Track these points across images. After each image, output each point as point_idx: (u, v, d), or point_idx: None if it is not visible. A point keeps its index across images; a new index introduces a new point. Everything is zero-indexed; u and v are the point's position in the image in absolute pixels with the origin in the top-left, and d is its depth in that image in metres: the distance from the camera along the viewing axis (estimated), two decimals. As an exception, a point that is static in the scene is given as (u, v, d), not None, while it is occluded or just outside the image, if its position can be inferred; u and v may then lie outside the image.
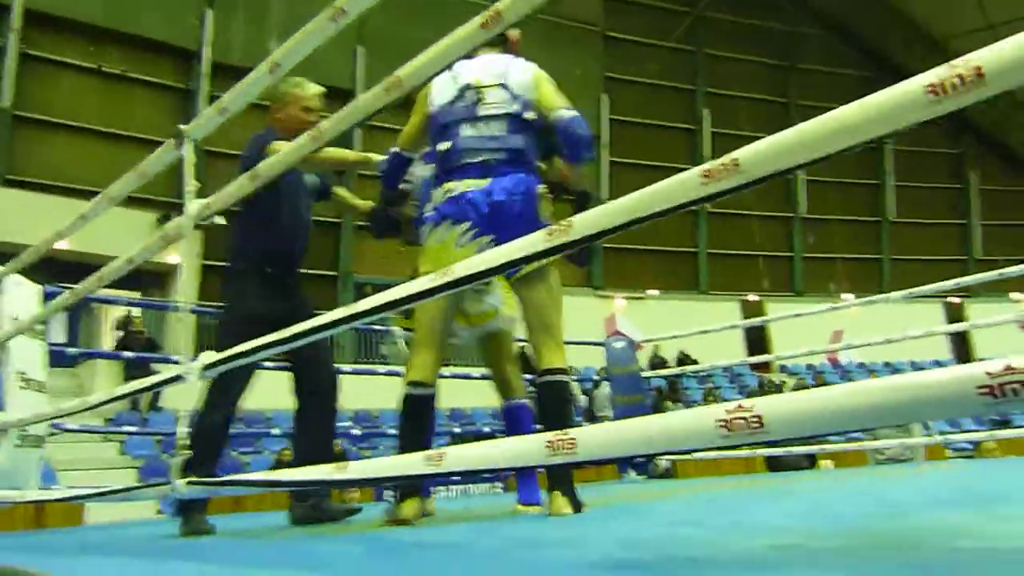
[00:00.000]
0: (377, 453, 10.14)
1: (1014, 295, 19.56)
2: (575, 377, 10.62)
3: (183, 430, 2.28)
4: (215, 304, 3.95)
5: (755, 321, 10.31)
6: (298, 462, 2.91)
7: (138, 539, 2.53)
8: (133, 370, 9.98)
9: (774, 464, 9.54)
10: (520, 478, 3.00)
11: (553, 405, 2.55)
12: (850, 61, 21.99)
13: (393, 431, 6.32)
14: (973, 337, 19.06)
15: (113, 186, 2.44)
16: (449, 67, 2.38)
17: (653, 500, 3.46)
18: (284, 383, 3.28)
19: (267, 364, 3.75)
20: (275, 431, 7.20)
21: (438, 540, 1.82)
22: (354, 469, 1.33)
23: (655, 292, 18.49)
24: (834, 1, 21.66)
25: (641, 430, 0.95)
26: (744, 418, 0.86)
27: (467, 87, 2.62)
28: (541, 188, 2.60)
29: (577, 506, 2.40)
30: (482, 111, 2.60)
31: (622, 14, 19.53)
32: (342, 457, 9.32)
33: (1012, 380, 0.68)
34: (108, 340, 12.41)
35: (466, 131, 2.58)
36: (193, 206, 1.97)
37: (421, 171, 3.04)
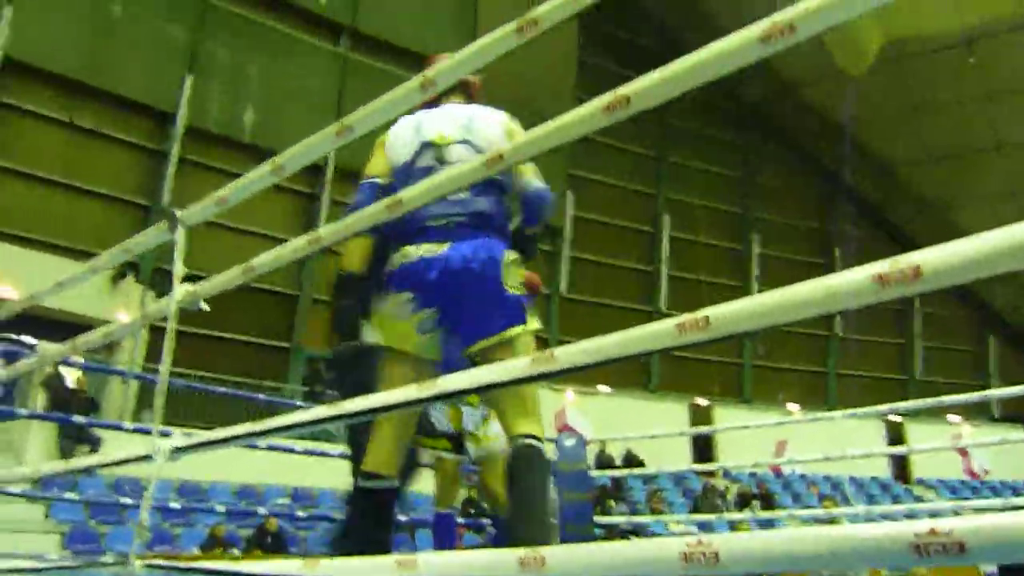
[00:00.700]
0: (315, 536, 9.89)
1: (951, 417, 20.11)
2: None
3: (144, 509, 2.27)
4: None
5: (703, 430, 10.46)
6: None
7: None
8: (69, 431, 9.69)
9: None
10: None
11: (525, 476, 2.20)
12: (806, 178, 23.03)
13: (336, 514, 6.22)
14: (912, 455, 19.45)
15: (100, 258, 2.49)
16: (411, 112, 2.30)
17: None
18: (228, 455, 3.28)
19: (297, 448, 3.88)
20: (215, 505, 7.02)
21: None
22: (325, 567, 1.37)
23: (606, 388, 18.62)
24: (793, 122, 22.78)
25: (610, 554, 1.03)
26: (703, 553, 0.96)
27: (427, 144, 2.38)
28: (509, 255, 2.33)
29: None
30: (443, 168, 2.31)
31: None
32: (277, 535, 9.08)
33: (935, 542, 0.79)
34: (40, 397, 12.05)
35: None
36: (180, 291, 2.04)
37: None
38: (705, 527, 11.04)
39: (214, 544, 8.72)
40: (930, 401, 5.77)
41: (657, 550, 1.01)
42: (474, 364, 2.33)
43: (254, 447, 5.31)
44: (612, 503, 12.72)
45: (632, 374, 19.66)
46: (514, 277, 2.33)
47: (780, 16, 1.03)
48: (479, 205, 2.33)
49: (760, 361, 21.48)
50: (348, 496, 2.28)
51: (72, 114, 13.78)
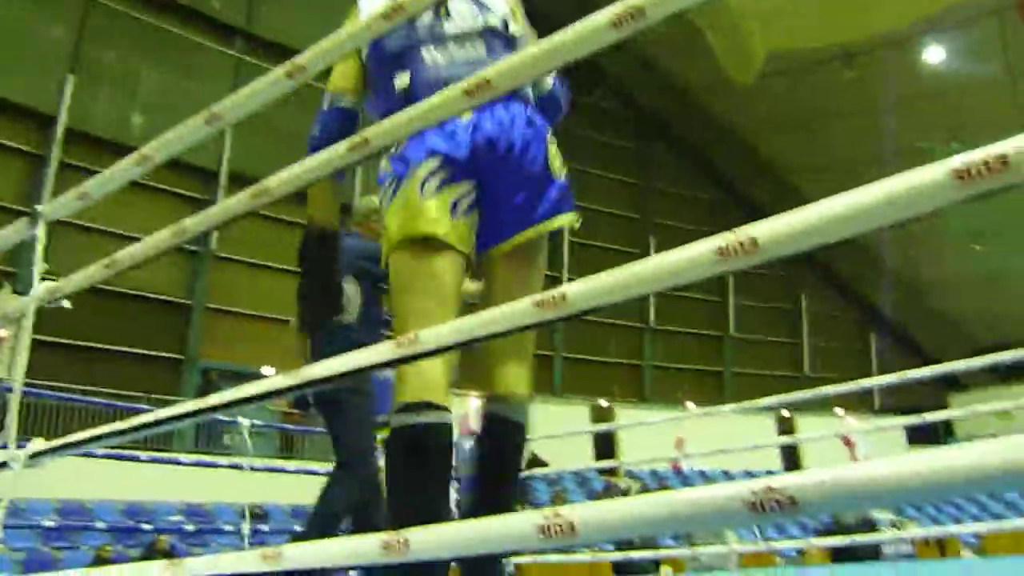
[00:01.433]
0: (209, 551, 9.53)
1: (838, 410, 21.14)
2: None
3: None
4: (45, 384, 3.81)
5: (606, 427, 10.63)
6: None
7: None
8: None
9: (619, 568, 9.69)
10: None
11: (508, 458, 1.86)
12: (702, 184, 23.86)
13: (229, 527, 6.03)
14: (802, 449, 20.34)
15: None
16: None
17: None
18: (112, 471, 3.19)
19: (97, 452, 3.73)
20: (98, 524, 6.66)
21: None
22: (189, 568, 1.32)
23: (510, 392, 18.71)
24: (689, 129, 23.56)
25: (471, 531, 1.03)
26: (560, 524, 0.97)
27: None
28: (549, 133, 1.90)
29: None
30: (450, 28, 1.91)
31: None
32: (169, 554, 8.71)
33: (770, 498, 0.82)
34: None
35: (432, 56, 1.88)
36: (40, 288, 1.93)
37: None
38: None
39: (100, 566, 8.30)
40: (815, 392, 6.05)
41: (516, 524, 1.01)
42: (489, 270, 1.91)
43: (136, 460, 5.08)
44: (518, 506, 12.78)
45: (537, 378, 19.73)
46: (559, 157, 1.89)
47: (630, 1, 1.06)
48: None
49: (659, 362, 22.07)
50: (386, 443, 1.72)
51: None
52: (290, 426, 13.36)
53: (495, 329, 1.12)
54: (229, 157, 15.12)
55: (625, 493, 14.68)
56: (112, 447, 5.23)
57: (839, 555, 7.95)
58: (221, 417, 6.63)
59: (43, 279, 2.01)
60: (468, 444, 6.62)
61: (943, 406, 21.94)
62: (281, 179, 1.52)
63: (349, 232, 3.69)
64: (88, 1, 14.31)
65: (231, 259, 15.61)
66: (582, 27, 1.13)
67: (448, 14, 1.91)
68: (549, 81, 2.06)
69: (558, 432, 10.86)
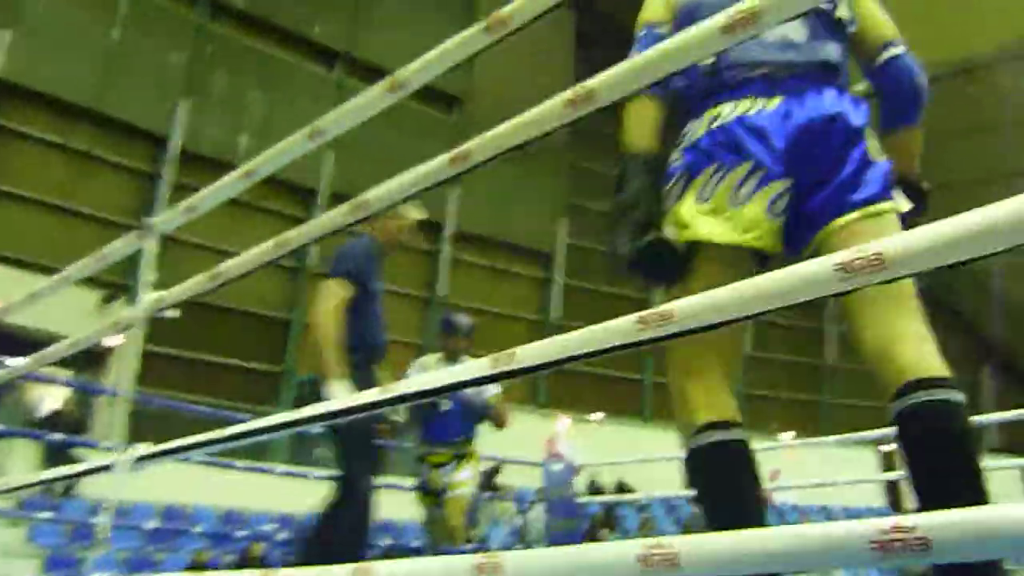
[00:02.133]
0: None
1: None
2: (511, 495, 10.47)
3: (104, 520, 2.22)
4: (152, 391, 4.00)
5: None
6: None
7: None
8: (55, 452, 9.57)
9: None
10: None
11: (948, 451, 1.39)
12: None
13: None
14: (904, 487, 19.32)
15: (71, 268, 2.45)
16: None
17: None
18: (211, 478, 3.32)
19: (197, 458, 3.92)
20: (196, 528, 6.88)
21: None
22: (380, 573, 1.32)
23: (599, 415, 18.51)
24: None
25: (560, 557, 0.99)
26: (661, 555, 0.91)
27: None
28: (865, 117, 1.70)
29: None
30: None
31: (589, 146, 20.37)
32: (262, 561, 8.93)
33: (897, 538, 0.75)
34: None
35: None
36: (148, 298, 2.00)
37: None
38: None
39: (196, 570, 8.59)
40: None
41: (615, 553, 0.96)
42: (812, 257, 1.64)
43: (232, 467, 5.23)
44: (606, 532, 12.58)
45: (626, 402, 19.56)
46: (876, 142, 1.70)
47: (743, 6, 1.01)
48: (827, 53, 1.70)
49: (753, 390, 21.40)
50: (686, 462, 1.63)
51: (67, 137, 13.82)
52: (380, 441, 13.60)
53: (594, 348, 1.07)
54: (330, 178, 15.62)
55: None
56: (211, 454, 5.41)
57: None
58: (314, 430, 6.78)
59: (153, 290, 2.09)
60: (556, 467, 6.56)
61: (1064, 447, 20.54)
62: (380, 194, 1.52)
63: (358, 235, 3.60)
64: (200, 28, 15.09)
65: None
66: (690, 35, 1.09)
67: None
68: (897, 49, 1.80)
69: (648, 457, 10.65)
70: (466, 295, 16.99)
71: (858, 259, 0.88)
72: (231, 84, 15.46)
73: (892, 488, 19.33)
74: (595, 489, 13.81)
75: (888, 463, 19.56)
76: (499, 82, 16.44)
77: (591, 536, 11.49)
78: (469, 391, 3.71)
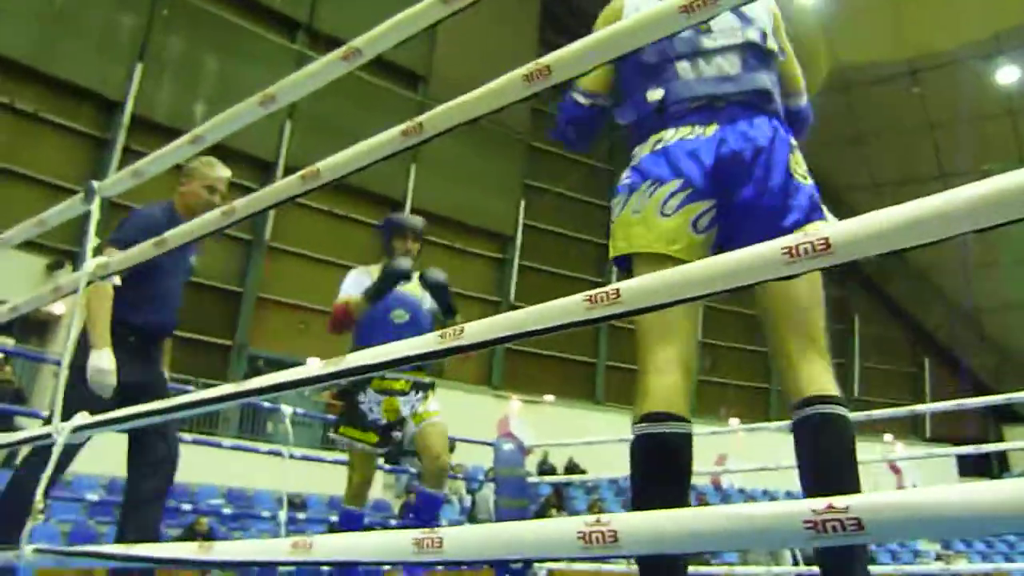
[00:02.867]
0: (248, 535, 9.66)
1: (887, 437, 20.60)
2: (461, 475, 10.50)
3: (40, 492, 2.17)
4: None
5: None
6: (119, 537, 3.00)
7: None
8: (-8, 421, 9.32)
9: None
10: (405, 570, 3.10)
11: (834, 454, 1.65)
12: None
13: (267, 514, 6.08)
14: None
15: (10, 231, 2.37)
16: None
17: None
18: (205, 455, 3.29)
19: (186, 438, 4.02)
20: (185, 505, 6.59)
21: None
22: (219, 551, 1.30)
23: (551, 397, 18.62)
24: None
25: (503, 533, 0.99)
26: (601, 532, 0.92)
27: None
28: (793, 140, 1.86)
29: None
30: (708, 42, 1.87)
31: (548, 126, 20.37)
32: (208, 536, 8.84)
33: (832, 518, 0.76)
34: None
35: (686, 71, 1.86)
36: (91, 263, 1.94)
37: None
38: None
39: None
40: (865, 415, 5.87)
41: (555, 530, 0.96)
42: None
43: (181, 441, 5.13)
44: (554, 512, 12.70)
45: (579, 384, 19.71)
46: (802, 165, 1.84)
47: (703, -15, 1.00)
48: (760, 82, 1.84)
49: (704, 376, 21.72)
50: (632, 449, 1.71)
51: (13, 97, 13.35)
52: (332, 417, 13.53)
53: (543, 325, 1.07)
54: (287, 151, 15.38)
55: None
56: (157, 428, 5.30)
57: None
58: (264, 404, 6.69)
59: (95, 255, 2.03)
60: (507, 447, 6.59)
61: (997, 439, 21.27)
62: (331, 163, 1.50)
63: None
64: (158, -10, 14.67)
65: (284, 250, 15.86)
66: (649, 14, 1.09)
67: (709, 27, 1.88)
68: (803, 100, 2.11)
69: (598, 439, 10.77)
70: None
71: (804, 243, 0.88)
72: (188, 50, 15.06)
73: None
74: (545, 470, 13.91)
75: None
76: (463, 61, 16.30)
77: (540, 516, 11.60)
78: (435, 279, 3.55)
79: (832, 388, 1.70)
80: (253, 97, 1.68)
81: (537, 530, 0.98)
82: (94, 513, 9.30)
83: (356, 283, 3.73)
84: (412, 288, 3.75)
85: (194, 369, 13.18)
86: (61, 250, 12.29)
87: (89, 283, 2.00)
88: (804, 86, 2.09)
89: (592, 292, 1.02)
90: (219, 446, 5.94)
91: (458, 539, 1.03)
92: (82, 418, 1.87)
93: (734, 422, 18.81)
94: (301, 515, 7.43)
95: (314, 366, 1.32)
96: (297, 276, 15.89)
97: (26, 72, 13.21)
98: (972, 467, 20.45)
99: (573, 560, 1.01)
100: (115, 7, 14.20)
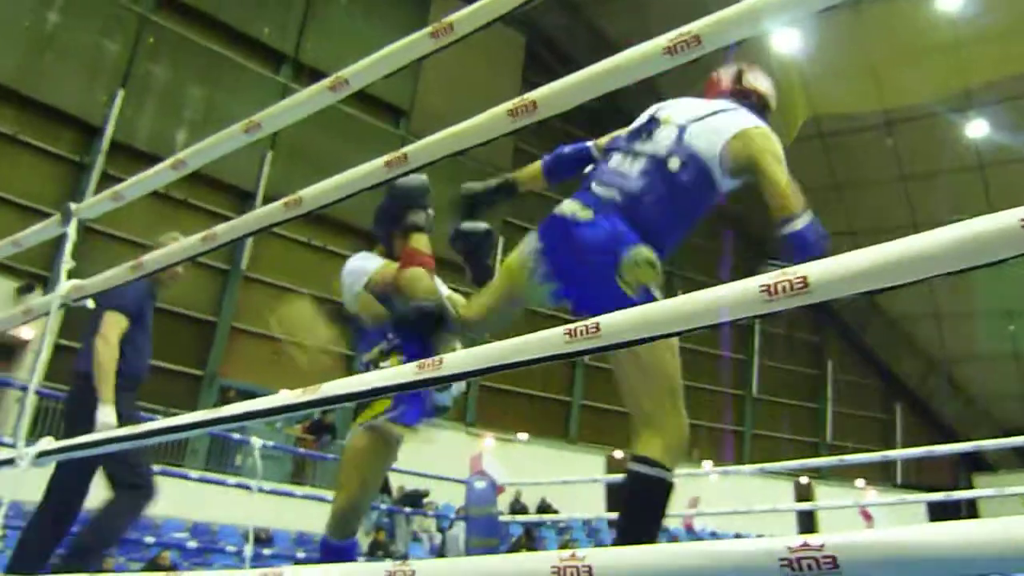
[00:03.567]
0: (212, 571, 9.42)
1: (858, 482, 20.66)
2: (432, 512, 10.37)
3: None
4: (64, 388, 3.88)
5: (616, 477, 10.44)
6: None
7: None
8: (-47, 447, 9.11)
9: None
10: None
11: (626, 510, 2.02)
12: (733, 240, 23.73)
13: (232, 548, 5.96)
14: (819, 517, 19.85)
15: (-19, 252, 2.34)
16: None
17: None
18: (171, 487, 3.36)
19: (192, 475, 4.09)
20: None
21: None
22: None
23: (524, 436, 18.52)
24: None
25: (477, 567, 0.97)
26: (576, 567, 0.91)
27: (652, 120, 2.23)
28: (642, 252, 2.01)
29: None
30: (637, 146, 2.19)
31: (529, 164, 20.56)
32: (170, 571, 8.62)
33: (807, 556, 0.76)
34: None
35: (613, 160, 2.21)
36: (65, 286, 1.92)
37: None
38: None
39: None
40: (838, 459, 5.92)
41: (530, 564, 0.95)
42: None
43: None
44: (526, 551, 12.57)
45: (552, 423, 19.62)
46: (635, 274, 2.00)
47: (686, 28, 1.03)
48: (639, 189, 2.09)
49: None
50: (658, 490, 1.97)
51: (-9, 120, 13.26)
52: (302, 451, 13.32)
53: (522, 357, 1.07)
54: (267, 181, 15.36)
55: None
56: (123, 457, 5.20)
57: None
58: (234, 436, 6.59)
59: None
60: (480, 485, 6.53)
61: (968, 487, 21.38)
62: (314, 192, 1.50)
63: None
64: (143, 19, 14.69)
65: (260, 280, 15.74)
66: (634, 53, 1.11)
67: (652, 136, 2.20)
68: (785, 230, 2.18)
69: (571, 479, 10.73)
70: (400, 307, 16.84)
71: (783, 282, 0.89)
72: (172, 78, 15.07)
73: (808, 518, 19.82)
74: (518, 509, 13.78)
75: (802, 495, 20.07)
76: (446, 98, 16.46)
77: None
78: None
79: (640, 449, 1.99)
80: (237, 124, 1.68)
81: (512, 564, 0.97)
82: (53, 544, 9.04)
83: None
84: None
85: (163, 399, 12.95)
86: (32, 273, 12.13)
87: (62, 306, 1.97)
88: (790, 207, 2.12)
89: (572, 325, 1.03)
90: (186, 478, 5.83)
91: (432, 572, 1.01)
92: (47, 443, 1.83)
93: (707, 465, 18.80)
94: (267, 551, 7.28)
95: (288, 395, 1.31)
96: (272, 306, 15.77)
97: (7, 94, 13.14)
98: (942, 514, 20.52)
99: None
100: (101, 33, 14.21)
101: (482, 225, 2.68)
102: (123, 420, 3.31)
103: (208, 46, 15.41)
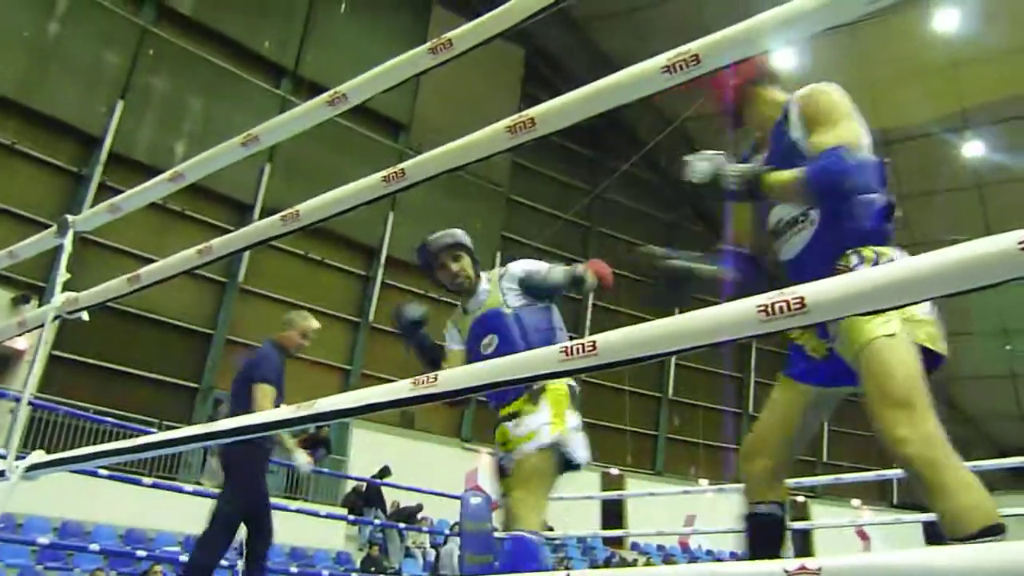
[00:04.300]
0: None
1: (854, 501, 20.58)
2: (426, 528, 10.31)
3: None
4: (59, 400, 3.88)
5: (612, 495, 10.42)
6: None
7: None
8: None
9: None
10: None
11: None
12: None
13: (225, 563, 5.90)
14: (815, 536, 19.76)
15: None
16: None
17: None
18: (116, 495, 3.21)
19: (102, 473, 4.06)
20: (93, 547, 6.52)
21: None
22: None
23: (520, 452, 18.43)
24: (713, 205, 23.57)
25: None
26: (570, 589, 0.90)
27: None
28: None
29: None
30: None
31: (528, 181, 20.61)
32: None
33: (804, 580, 0.75)
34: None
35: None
36: (60, 298, 1.91)
37: None
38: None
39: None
40: (834, 478, 5.90)
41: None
42: None
43: (138, 483, 5.02)
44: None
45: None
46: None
47: (684, 47, 1.03)
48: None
49: (674, 434, 21.70)
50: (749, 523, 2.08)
51: (-8, 130, 13.27)
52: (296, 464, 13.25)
53: (517, 375, 1.06)
54: (265, 194, 15.38)
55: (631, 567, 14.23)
56: (117, 469, 5.18)
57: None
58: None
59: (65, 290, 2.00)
60: (475, 501, 6.50)
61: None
62: (311, 206, 1.49)
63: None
64: (143, 31, 14.74)
65: (257, 292, 15.72)
66: (632, 72, 1.11)
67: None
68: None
69: (566, 495, 10.68)
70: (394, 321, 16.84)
71: (780, 302, 0.89)
72: (172, 90, 15.11)
73: (803, 537, 19.74)
74: (512, 525, 13.72)
75: (798, 514, 19.99)
76: (445, 112, 16.53)
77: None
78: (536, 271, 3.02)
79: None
80: (236, 138, 1.68)
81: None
82: (44, 558, 8.98)
83: (451, 338, 3.35)
84: (491, 300, 3.15)
85: (157, 410, 12.93)
86: (29, 284, 12.10)
87: (56, 318, 1.97)
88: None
89: (568, 344, 1.02)
90: (180, 491, 5.79)
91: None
92: (38, 456, 1.82)
93: (704, 481, 18.73)
94: (260, 565, 7.21)
95: (284, 410, 1.30)
96: (268, 319, 15.74)
97: (7, 104, 13.17)
98: (939, 535, 20.44)
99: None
100: (101, 44, 14.26)
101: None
102: (256, 478, 4.39)
103: (208, 59, 15.47)
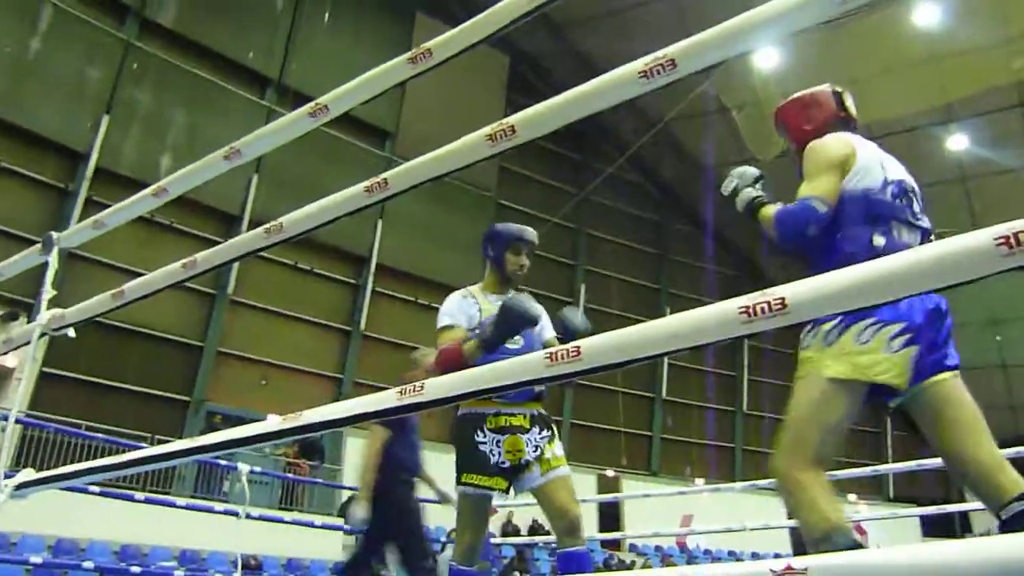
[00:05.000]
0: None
1: (851, 497, 20.64)
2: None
3: None
4: (49, 417, 3.84)
5: (607, 497, 10.42)
6: None
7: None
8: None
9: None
10: None
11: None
12: (717, 258, 23.84)
13: (221, 574, 5.88)
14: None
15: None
16: (838, 129, 2.34)
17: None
18: (109, 511, 3.17)
19: (94, 490, 3.89)
20: (87, 564, 6.45)
21: None
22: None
23: (516, 456, 18.42)
24: (705, 202, 23.69)
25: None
26: None
27: (900, 186, 2.27)
28: None
29: None
30: (912, 219, 2.26)
31: (516, 186, 20.63)
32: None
33: (790, 579, 0.76)
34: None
35: (902, 234, 2.21)
36: (45, 315, 1.90)
37: None
38: (608, 601, 10.87)
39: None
40: (828, 474, 5.91)
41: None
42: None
43: (131, 499, 4.99)
44: (517, 574, 12.46)
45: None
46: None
47: (661, 52, 1.04)
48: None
49: (668, 435, 21.73)
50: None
51: (-25, 146, 13.20)
52: (291, 476, 13.21)
53: (502, 382, 1.07)
54: (253, 205, 15.35)
55: (629, 569, 14.27)
56: (110, 485, 5.15)
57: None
58: (221, 462, 6.53)
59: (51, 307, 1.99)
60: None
61: (960, 499, 21.42)
62: (294, 218, 1.49)
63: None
64: (127, 45, 14.69)
65: (246, 304, 15.66)
66: (609, 78, 1.11)
67: (913, 208, 2.30)
68: None
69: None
70: (384, 329, 16.83)
71: (761, 303, 0.89)
72: (157, 104, 15.06)
73: (799, 536, 19.76)
74: (509, 531, 13.69)
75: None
76: (431, 119, 16.53)
77: (503, 578, 11.37)
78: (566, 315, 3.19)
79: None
80: (218, 151, 1.68)
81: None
82: (37, 576, 8.91)
83: (462, 312, 3.31)
84: None
85: (149, 425, 12.85)
86: (16, 300, 12.02)
87: (42, 335, 1.96)
88: None
89: (554, 349, 1.02)
90: (173, 505, 5.76)
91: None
92: (27, 474, 1.81)
93: (699, 481, 18.75)
94: (256, 578, 7.19)
95: (273, 421, 1.30)
96: (259, 330, 15.70)
97: (-7, 123, 13.10)
98: (935, 528, 20.53)
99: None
100: (84, 59, 14.20)
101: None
102: (402, 509, 4.58)
103: (192, 71, 15.43)
